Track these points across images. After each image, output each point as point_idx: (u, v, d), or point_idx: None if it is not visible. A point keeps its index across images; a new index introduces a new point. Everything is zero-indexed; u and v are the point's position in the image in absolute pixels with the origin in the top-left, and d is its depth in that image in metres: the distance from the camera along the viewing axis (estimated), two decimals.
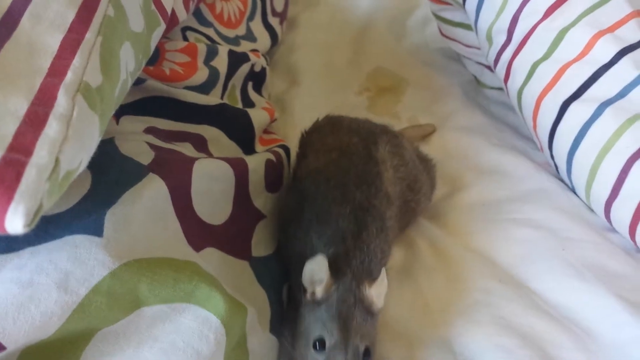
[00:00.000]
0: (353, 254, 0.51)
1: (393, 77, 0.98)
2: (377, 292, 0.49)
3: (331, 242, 0.51)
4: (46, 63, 0.32)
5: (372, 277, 0.50)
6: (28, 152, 0.28)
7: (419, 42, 1.05)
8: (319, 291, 0.47)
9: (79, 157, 0.31)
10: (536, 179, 0.75)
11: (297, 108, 0.85)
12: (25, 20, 0.34)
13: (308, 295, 0.48)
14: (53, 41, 0.34)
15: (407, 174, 0.64)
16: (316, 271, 0.47)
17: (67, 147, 0.30)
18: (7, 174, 0.27)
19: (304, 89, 0.90)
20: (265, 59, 0.84)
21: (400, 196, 0.62)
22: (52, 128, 0.29)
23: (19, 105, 0.30)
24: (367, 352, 0.46)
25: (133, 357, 0.39)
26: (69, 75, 0.32)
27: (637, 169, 0.63)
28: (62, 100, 0.31)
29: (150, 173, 0.45)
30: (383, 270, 0.50)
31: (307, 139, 0.66)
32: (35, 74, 0.31)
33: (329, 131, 0.65)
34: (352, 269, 0.50)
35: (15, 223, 0.27)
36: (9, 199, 0.27)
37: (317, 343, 0.45)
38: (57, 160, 0.29)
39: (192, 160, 0.50)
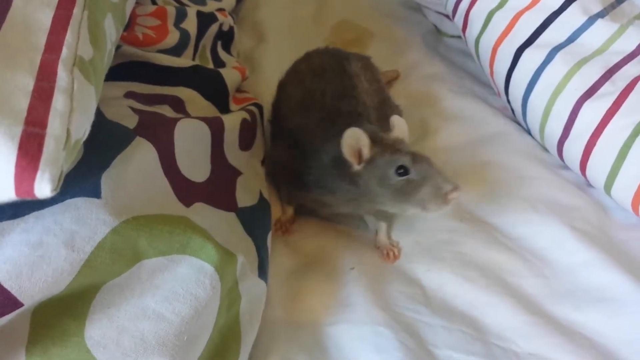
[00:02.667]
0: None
1: (357, 29, 1.01)
2: (401, 130, 0.61)
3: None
4: (42, 40, 0.35)
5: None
6: (43, 125, 0.31)
7: None
8: (366, 152, 0.56)
9: (84, 126, 0.34)
10: (495, 123, 0.80)
11: (265, 65, 0.87)
12: (17, 0, 0.36)
13: (355, 164, 0.56)
14: (45, 18, 0.36)
15: (380, 90, 0.70)
16: (357, 139, 0.56)
17: (74, 118, 0.32)
18: (30, 146, 0.30)
19: (271, 45, 0.92)
20: (232, 17, 0.86)
21: (378, 109, 0.68)
22: (60, 102, 0.32)
23: (26, 81, 0.32)
24: None
25: (137, 305, 0.42)
26: (64, 50, 0.35)
27: (585, 110, 0.69)
28: (62, 75, 0.33)
29: (138, 137, 0.48)
30: (393, 117, 0.61)
31: (285, 78, 0.72)
32: (34, 50, 0.34)
33: (302, 61, 0.72)
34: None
35: (44, 188, 0.30)
36: (35, 168, 0.30)
37: (399, 169, 0.55)
38: (68, 131, 0.32)
39: (174, 122, 0.52)
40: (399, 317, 0.55)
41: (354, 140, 0.56)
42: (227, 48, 0.82)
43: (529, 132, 0.78)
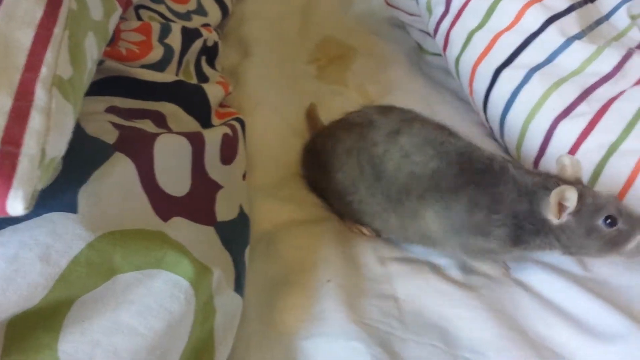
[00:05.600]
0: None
1: (342, 46, 1.03)
2: (575, 170, 0.59)
3: None
4: (22, 59, 0.35)
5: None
6: (18, 144, 0.32)
7: (365, 11, 1.10)
8: (571, 207, 0.55)
9: (61, 144, 0.35)
10: (475, 141, 0.82)
11: (250, 79, 0.88)
12: None
13: (559, 215, 0.56)
14: (25, 38, 0.37)
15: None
16: (567, 196, 0.55)
17: (50, 137, 0.33)
18: (4, 165, 0.31)
19: (256, 60, 0.93)
20: (217, 32, 0.87)
21: None
22: (36, 121, 0.33)
23: (4, 101, 0.33)
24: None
25: (111, 319, 0.43)
26: (44, 70, 0.35)
27: (561, 129, 0.70)
28: (40, 94, 0.34)
29: (117, 152, 0.49)
30: (563, 157, 0.60)
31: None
32: (14, 70, 0.35)
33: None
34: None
35: (16, 206, 0.31)
36: (8, 186, 0.30)
37: (608, 220, 0.55)
38: (43, 150, 0.33)
39: (154, 137, 0.53)
40: (372, 331, 0.56)
41: (561, 197, 0.55)
42: (211, 63, 0.83)
43: (506, 150, 0.80)
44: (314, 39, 1.03)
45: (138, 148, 0.51)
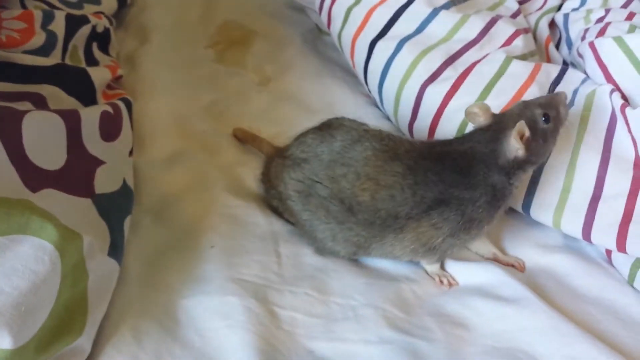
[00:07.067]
0: None
1: (242, 28, 1.06)
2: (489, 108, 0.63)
3: None
4: None
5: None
6: None
7: None
8: (527, 132, 0.59)
9: None
10: (361, 111, 0.87)
11: (145, 64, 0.90)
12: None
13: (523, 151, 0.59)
14: None
15: None
16: (522, 128, 0.59)
17: None
18: None
19: (154, 46, 0.95)
20: (110, 20, 0.89)
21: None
22: None
23: None
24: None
25: None
26: None
27: (429, 93, 0.76)
28: None
29: None
30: (473, 106, 0.63)
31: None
32: None
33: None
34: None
35: None
36: None
37: (544, 118, 0.61)
38: None
39: (23, 114, 0.56)
40: (248, 286, 0.60)
41: (519, 131, 0.59)
42: (104, 49, 0.85)
43: (387, 117, 0.85)
44: (215, 23, 1.05)
45: (4, 124, 0.53)
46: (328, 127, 0.67)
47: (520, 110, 0.62)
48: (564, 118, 0.63)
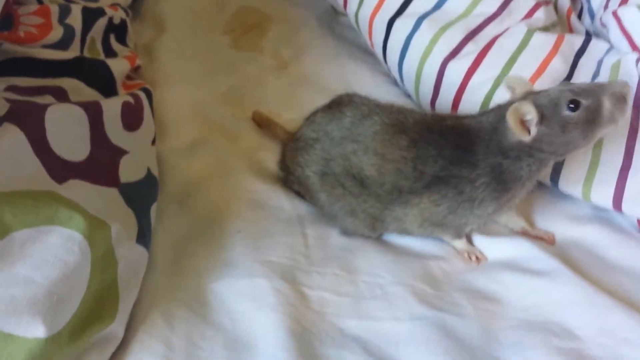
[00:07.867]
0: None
1: (257, 14, 1.05)
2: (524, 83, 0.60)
3: None
4: None
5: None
6: None
7: None
8: (532, 115, 0.55)
9: None
10: (380, 90, 0.86)
11: (163, 54, 0.91)
12: None
13: (526, 131, 0.55)
14: None
15: None
16: (524, 110, 0.55)
17: None
18: None
19: (170, 35, 0.95)
20: (126, 11, 0.89)
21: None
22: None
23: None
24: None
25: (9, 273, 0.46)
26: None
27: (450, 69, 0.75)
28: None
29: (5, 122, 0.52)
30: (508, 78, 0.61)
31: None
32: None
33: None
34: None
35: None
36: None
37: (572, 105, 0.54)
38: None
39: (45, 107, 0.56)
40: (276, 267, 0.60)
41: (519, 114, 0.55)
42: (122, 40, 0.85)
43: (408, 95, 0.84)
44: (230, 10, 1.05)
45: (27, 118, 0.54)
46: (338, 104, 0.67)
47: (550, 91, 0.57)
48: (608, 112, 0.55)
